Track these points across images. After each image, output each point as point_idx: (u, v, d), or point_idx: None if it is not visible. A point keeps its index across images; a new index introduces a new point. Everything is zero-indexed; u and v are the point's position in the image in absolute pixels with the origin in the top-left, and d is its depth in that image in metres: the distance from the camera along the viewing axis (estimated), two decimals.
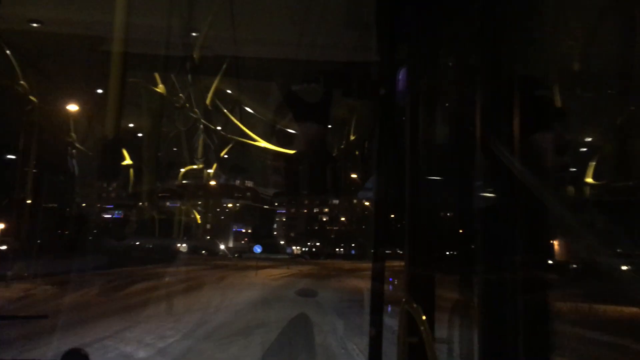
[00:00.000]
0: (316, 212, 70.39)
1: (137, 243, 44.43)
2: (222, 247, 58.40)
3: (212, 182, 44.30)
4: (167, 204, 47.73)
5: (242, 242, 62.88)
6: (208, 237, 56.77)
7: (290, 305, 18.69)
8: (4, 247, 24.82)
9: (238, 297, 20.67)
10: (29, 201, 28.46)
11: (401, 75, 3.81)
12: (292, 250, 68.44)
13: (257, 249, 48.22)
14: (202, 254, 51.25)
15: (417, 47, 3.62)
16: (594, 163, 18.69)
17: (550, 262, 2.51)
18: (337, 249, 69.27)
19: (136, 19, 6.63)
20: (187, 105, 31.35)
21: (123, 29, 6.22)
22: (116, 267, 28.20)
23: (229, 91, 30.13)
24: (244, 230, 65.13)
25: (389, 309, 4.49)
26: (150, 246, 44.82)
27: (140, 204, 41.21)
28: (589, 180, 18.68)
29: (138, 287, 22.81)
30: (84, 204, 36.97)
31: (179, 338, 12.42)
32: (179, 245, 52.34)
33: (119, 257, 31.21)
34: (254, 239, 59.19)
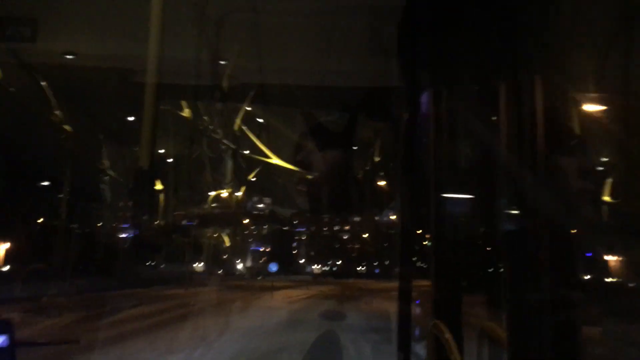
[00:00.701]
0: (337, 229, 67.99)
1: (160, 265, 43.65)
2: (239, 266, 56.18)
3: (232, 204, 44.30)
4: (197, 228, 47.70)
5: (260, 261, 60.86)
6: (225, 257, 54.56)
7: (313, 335, 14.83)
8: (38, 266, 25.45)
9: (247, 325, 15.66)
10: (62, 225, 29.04)
11: (423, 99, 3.89)
12: (312, 269, 66.16)
13: (273, 267, 46.06)
14: (219, 274, 49.66)
15: (438, 72, 3.70)
16: (610, 180, 18.42)
17: (576, 281, 2.52)
18: (359, 268, 66.83)
19: (167, 51, 6.86)
20: (216, 130, 31.93)
21: (156, 60, 6.44)
22: (126, 289, 27.35)
23: (256, 117, 30.59)
24: (262, 249, 61.99)
25: (417, 332, 4.49)
26: (164, 266, 44.22)
27: (171, 228, 41.66)
28: (607, 198, 18.40)
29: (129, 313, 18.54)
30: (114, 229, 37.48)
31: None
32: (195, 265, 51.30)
33: (133, 278, 30.47)
34: (272, 258, 56.91)
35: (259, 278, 46.40)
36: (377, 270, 62.63)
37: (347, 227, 67.19)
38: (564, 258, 2.56)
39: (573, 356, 2.60)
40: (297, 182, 40.96)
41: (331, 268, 68.69)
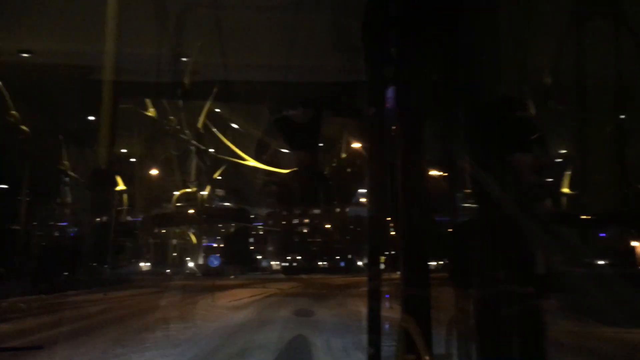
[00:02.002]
0: (296, 223, 63.08)
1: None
2: (190, 264, 51.50)
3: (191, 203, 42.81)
4: (161, 227, 46.64)
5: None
6: (175, 254, 52.10)
7: None
8: None
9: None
10: (22, 228, 28.26)
11: (389, 94, 3.88)
12: (270, 265, 61.91)
13: (214, 261, 41.20)
14: (166, 273, 45.38)
15: (404, 67, 3.69)
16: (569, 173, 18.93)
17: (532, 271, 2.57)
18: (321, 262, 62.29)
19: (126, 48, 6.71)
20: (179, 129, 31.52)
21: (113, 58, 6.29)
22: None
23: (220, 114, 30.28)
24: (215, 245, 56.87)
25: (387, 326, 4.49)
26: (125, 267, 41.95)
27: (131, 228, 40.92)
28: (565, 190, 18.92)
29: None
30: (76, 231, 36.64)
31: None
32: (142, 265, 48.38)
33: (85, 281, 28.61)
34: (226, 255, 52.52)
35: (212, 274, 42.30)
36: (342, 264, 60.20)
37: (308, 221, 63.59)
38: (519, 250, 2.60)
39: (539, 343, 2.65)
40: (263, 180, 40.69)
41: (291, 263, 62.88)
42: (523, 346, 2.52)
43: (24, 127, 23.70)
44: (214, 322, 15.06)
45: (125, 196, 37.60)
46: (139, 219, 41.36)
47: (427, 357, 2.54)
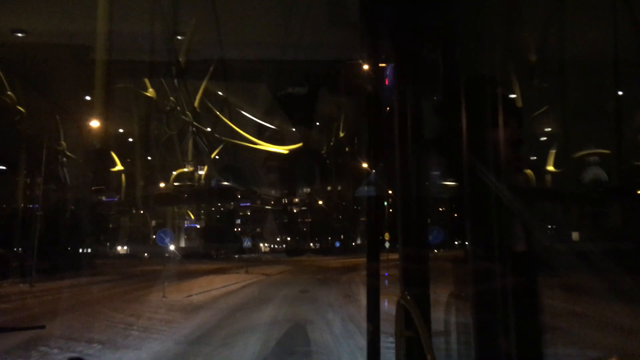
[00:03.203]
0: (284, 203, 58.55)
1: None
2: (171, 247, 48.95)
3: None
4: (161, 206, 45.84)
5: (196, 241, 50.55)
6: (153, 237, 45.66)
7: None
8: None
9: None
10: (20, 209, 28.34)
11: (387, 71, 3.85)
12: (259, 246, 56.90)
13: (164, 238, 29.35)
14: (145, 257, 42.24)
15: (402, 43, 3.65)
16: (554, 151, 18.93)
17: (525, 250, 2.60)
18: (313, 244, 57.89)
19: (120, 26, 6.62)
20: (177, 108, 31.37)
21: (106, 37, 6.22)
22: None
23: (217, 92, 30.12)
24: (198, 227, 51.84)
25: (386, 303, 4.53)
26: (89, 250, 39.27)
27: (129, 209, 40.82)
28: (550, 168, 18.96)
29: None
30: (74, 211, 36.62)
31: None
32: (119, 248, 44.66)
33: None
34: (210, 236, 47.82)
35: (191, 259, 38.52)
36: (337, 244, 55.83)
37: (298, 200, 58.31)
38: (501, 226, 2.61)
39: (535, 322, 2.67)
40: (259, 159, 40.62)
41: (280, 245, 58.63)
42: (520, 326, 2.54)
43: (20, 108, 23.57)
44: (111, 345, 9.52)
45: (123, 176, 37.60)
46: (115, 199, 39.73)
47: (425, 334, 2.56)
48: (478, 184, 2.56)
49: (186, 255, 42.41)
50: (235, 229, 55.40)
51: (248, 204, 58.35)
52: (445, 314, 3.50)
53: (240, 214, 58.49)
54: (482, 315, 2.56)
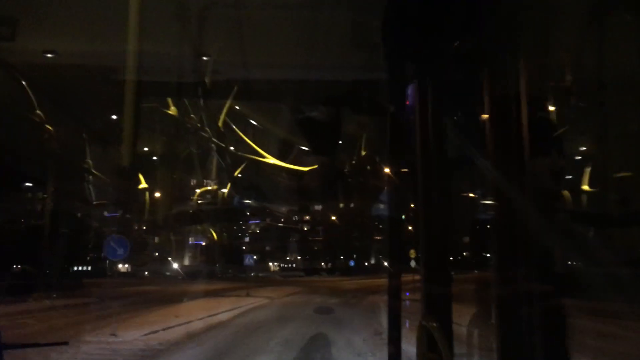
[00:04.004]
0: (295, 220, 55.18)
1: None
2: (175, 265, 43.97)
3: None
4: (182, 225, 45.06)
5: (200, 259, 47.31)
6: (156, 254, 44.20)
7: None
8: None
9: None
10: (46, 226, 28.73)
11: (410, 91, 3.87)
12: (268, 265, 54.10)
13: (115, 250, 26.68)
14: (145, 276, 39.58)
15: (424, 64, 3.68)
16: (589, 170, 18.56)
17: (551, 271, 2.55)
18: (325, 264, 54.63)
19: (148, 47, 6.78)
20: (200, 127, 31.77)
21: (135, 57, 6.36)
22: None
23: (240, 111, 30.45)
24: (203, 244, 48.84)
25: (407, 324, 4.49)
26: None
27: (157, 227, 40.88)
28: (585, 187, 18.55)
29: None
30: (98, 228, 36.94)
31: None
32: (120, 266, 40.15)
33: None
34: (216, 254, 45.26)
35: (194, 279, 35.92)
36: (351, 263, 52.54)
37: (307, 217, 54.88)
38: (537, 249, 2.57)
39: (561, 348, 2.62)
40: (282, 177, 40.64)
41: (291, 264, 55.07)
42: (545, 346, 2.49)
43: (48, 126, 24.10)
44: None
45: (147, 194, 38.05)
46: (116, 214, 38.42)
47: (448, 356, 2.53)
48: (508, 204, 2.54)
49: (190, 273, 39.84)
50: (244, 247, 52.80)
51: (257, 221, 55.48)
52: (468, 337, 3.46)
53: (249, 231, 55.54)
54: (507, 338, 2.53)
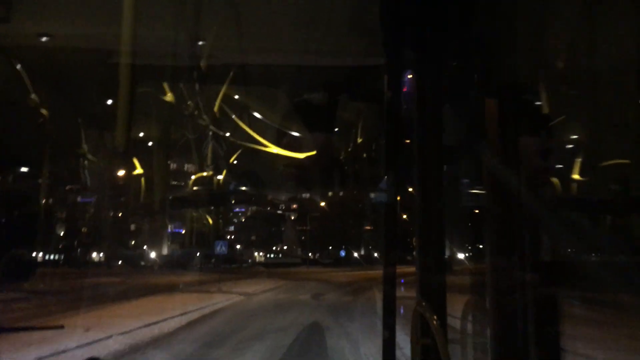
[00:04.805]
0: (283, 208, 53.53)
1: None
2: (152, 254, 40.96)
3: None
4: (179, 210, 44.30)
5: (180, 249, 44.15)
6: (133, 242, 41.96)
7: None
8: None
9: None
10: (42, 210, 28.64)
11: (407, 78, 3.86)
12: (253, 256, 51.25)
13: None
14: (117, 265, 36.79)
15: (423, 51, 3.66)
16: (580, 160, 18.61)
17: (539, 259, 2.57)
18: (312, 254, 52.28)
19: (143, 30, 6.71)
20: (196, 113, 31.65)
21: (130, 41, 6.30)
22: None
23: (236, 97, 30.32)
24: (184, 232, 46.45)
25: (402, 310, 4.51)
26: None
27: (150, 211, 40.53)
28: (576, 176, 18.62)
29: None
30: (94, 214, 36.76)
31: None
32: (94, 255, 39.16)
33: None
34: (193, 243, 42.60)
35: (172, 269, 33.42)
36: (342, 253, 49.73)
37: (294, 206, 52.37)
38: (527, 236, 2.58)
39: (553, 332, 2.64)
40: (279, 165, 40.38)
41: (278, 254, 51.87)
42: (537, 332, 2.51)
43: (43, 111, 23.96)
44: None
45: (142, 179, 37.97)
46: (91, 200, 36.27)
47: (442, 341, 2.55)
48: (501, 193, 2.54)
49: (168, 263, 37.31)
50: (229, 237, 49.36)
51: (242, 210, 52.33)
52: (462, 322, 3.48)
53: (235, 220, 52.94)
54: (500, 324, 2.54)
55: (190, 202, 43.20)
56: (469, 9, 3.14)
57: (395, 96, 4.12)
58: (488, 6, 2.86)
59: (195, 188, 41.93)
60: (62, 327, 11.76)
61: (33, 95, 22.88)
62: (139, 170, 36.71)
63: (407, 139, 3.77)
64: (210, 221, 45.78)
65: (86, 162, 32.02)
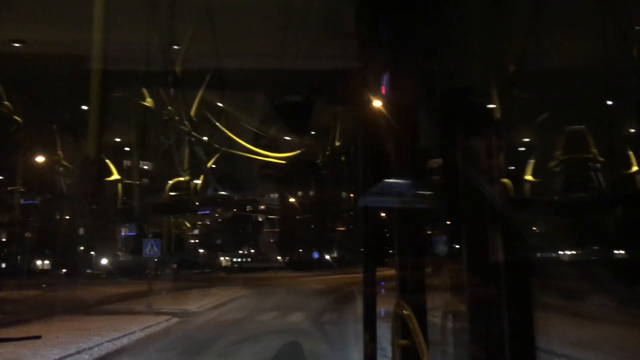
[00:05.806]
0: (249, 210, 51.06)
1: None
2: (104, 261, 38.31)
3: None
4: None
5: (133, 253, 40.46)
6: (82, 248, 38.39)
7: None
8: None
9: None
10: (15, 218, 28.09)
11: (384, 81, 3.88)
12: (219, 261, 48.62)
13: None
14: (62, 273, 34.01)
15: (397, 54, 3.69)
16: (532, 161, 18.98)
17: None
18: (282, 257, 49.90)
19: (116, 36, 6.65)
20: (175, 117, 31.31)
21: (102, 46, 6.24)
22: None
23: (214, 102, 30.14)
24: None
25: (382, 312, 4.53)
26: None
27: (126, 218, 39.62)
28: (529, 177, 18.98)
29: None
30: (69, 221, 35.58)
31: None
32: (39, 263, 36.63)
33: None
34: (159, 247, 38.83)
35: (125, 276, 31.32)
36: (315, 255, 47.16)
37: (262, 207, 49.60)
38: (481, 235, 2.62)
39: (528, 332, 2.67)
40: (255, 168, 39.83)
41: (245, 259, 49.39)
42: (514, 331, 2.55)
43: (17, 117, 23.54)
44: None
45: (119, 185, 37.39)
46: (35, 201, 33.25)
47: (421, 343, 2.56)
48: (473, 194, 2.58)
49: (121, 270, 33.73)
50: (192, 240, 46.29)
51: (207, 212, 48.05)
52: (442, 322, 3.51)
53: (199, 223, 49.01)
54: (477, 323, 2.57)
55: (167, 209, 42.36)
56: (437, 11, 3.19)
57: (372, 98, 4.14)
58: (439, 15, 2.93)
59: (171, 193, 41.31)
60: None
61: (6, 102, 22.48)
62: (115, 175, 36.20)
63: (385, 141, 3.79)
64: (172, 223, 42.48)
65: (61, 168, 31.49)
